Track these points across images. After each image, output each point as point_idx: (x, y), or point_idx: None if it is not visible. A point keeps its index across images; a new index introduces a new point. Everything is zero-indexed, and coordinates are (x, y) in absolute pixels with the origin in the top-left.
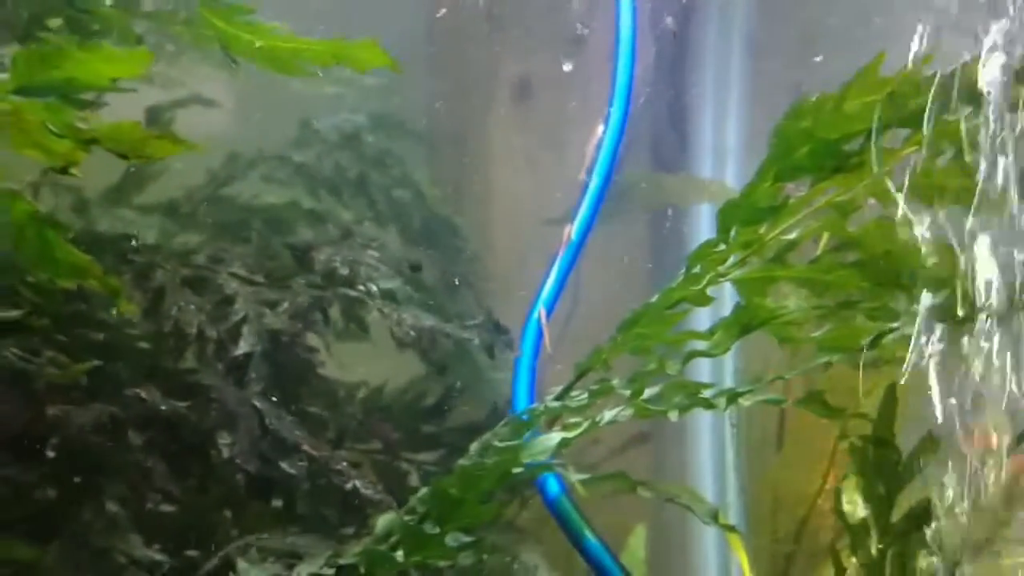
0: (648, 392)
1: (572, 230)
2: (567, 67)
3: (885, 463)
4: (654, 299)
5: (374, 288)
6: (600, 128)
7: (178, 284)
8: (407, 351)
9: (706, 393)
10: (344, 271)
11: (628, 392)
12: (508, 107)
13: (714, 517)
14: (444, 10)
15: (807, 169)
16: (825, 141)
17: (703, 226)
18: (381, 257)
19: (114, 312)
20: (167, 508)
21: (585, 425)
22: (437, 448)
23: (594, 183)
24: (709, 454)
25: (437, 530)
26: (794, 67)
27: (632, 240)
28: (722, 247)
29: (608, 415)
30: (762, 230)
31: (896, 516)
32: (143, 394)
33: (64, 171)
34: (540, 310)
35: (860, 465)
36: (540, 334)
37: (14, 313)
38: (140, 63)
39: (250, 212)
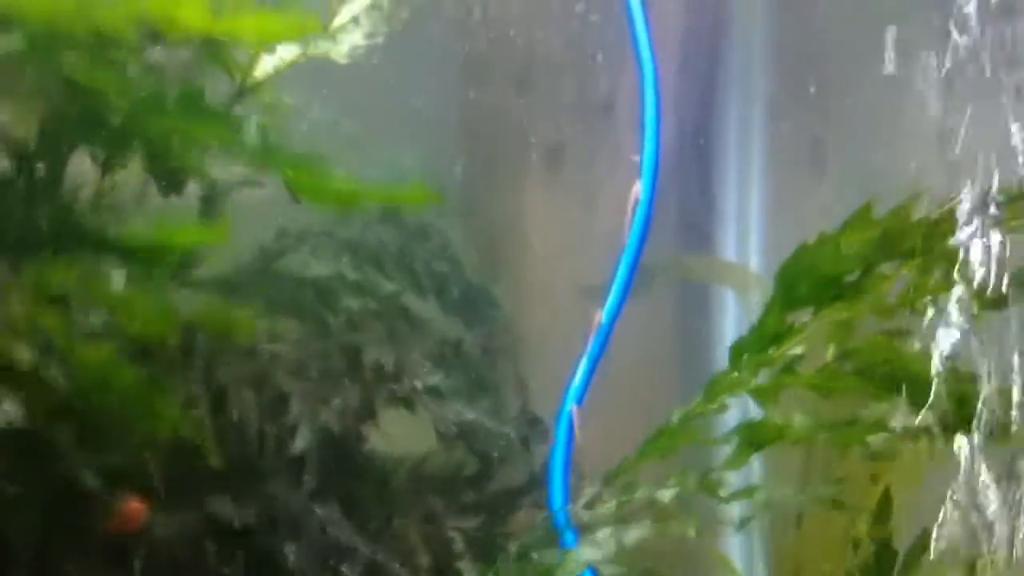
0: (669, 493)
1: (602, 315)
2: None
3: (883, 559)
4: (675, 418)
5: (419, 385)
6: (638, 185)
7: (240, 382)
8: None
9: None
10: (391, 368)
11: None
12: (540, 174)
13: None
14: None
15: (809, 301)
16: (824, 277)
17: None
18: (424, 353)
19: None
20: None
21: (613, 548)
22: (478, 514)
23: (623, 269)
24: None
25: None
26: (813, 125)
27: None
28: (735, 375)
29: (633, 534)
30: (770, 351)
31: None
32: (215, 506)
33: (161, 343)
34: (572, 406)
35: (862, 559)
36: (572, 426)
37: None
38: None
39: (300, 284)
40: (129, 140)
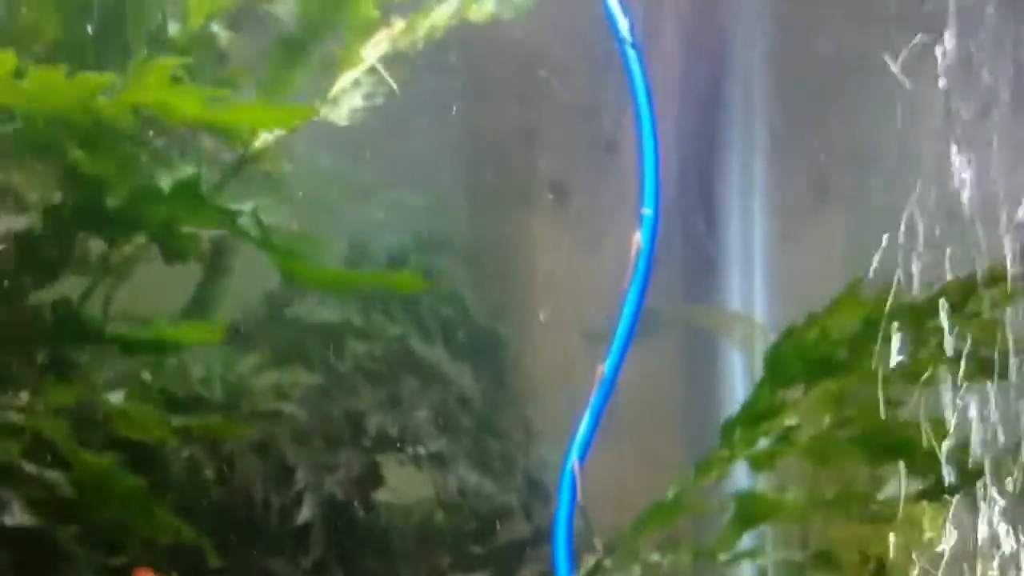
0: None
1: (604, 368)
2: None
3: None
4: (669, 494)
5: (422, 451)
6: (637, 235)
7: (246, 451)
8: None
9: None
10: (394, 433)
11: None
12: (545, 213)
13: None
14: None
15: (799, 380)
16: (813, 358)
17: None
18: (429, 405)
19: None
20: None
21: None
22: (485, 568)
23: (624, 320)
24: None
25: None
26: (816, 160)
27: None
28: (726, 452)
29: None
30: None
31: None
32: None
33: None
34: (574, 461)
35: None
36: (575, 485)
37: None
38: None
39: (307, 331)
40: (130, 225)
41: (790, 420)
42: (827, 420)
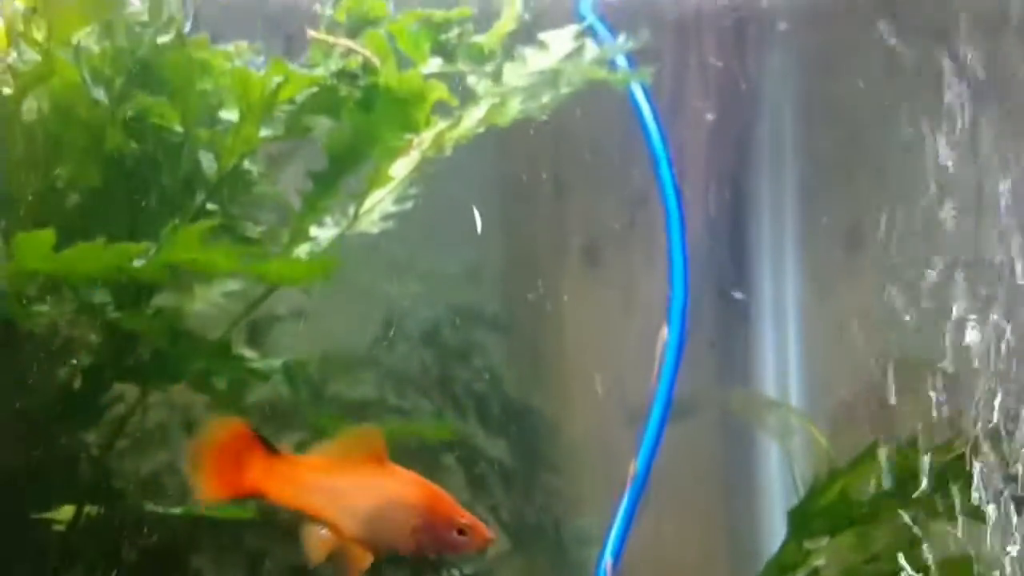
0: None
1: (635, 465)
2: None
3: None
4: None
5: (457, 574)
6: (664, 329)
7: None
8: None
9: None
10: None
11: None
12: (578, 274)
13: None
14: None
15: (824, 533)
16: (837, 513)
17: None
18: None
19: None
20: None
21: None
22: None
23: (655, 413)
24: None
25: None
26: (848, 211)
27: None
28: None
29: None
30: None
31: None
32: None
33: None
34: (607, 561)
35: None
36: None
37: None
38: None
39: (344, 410)
40: (166, 378)
41: (818, 561)
42: (855, 559)
